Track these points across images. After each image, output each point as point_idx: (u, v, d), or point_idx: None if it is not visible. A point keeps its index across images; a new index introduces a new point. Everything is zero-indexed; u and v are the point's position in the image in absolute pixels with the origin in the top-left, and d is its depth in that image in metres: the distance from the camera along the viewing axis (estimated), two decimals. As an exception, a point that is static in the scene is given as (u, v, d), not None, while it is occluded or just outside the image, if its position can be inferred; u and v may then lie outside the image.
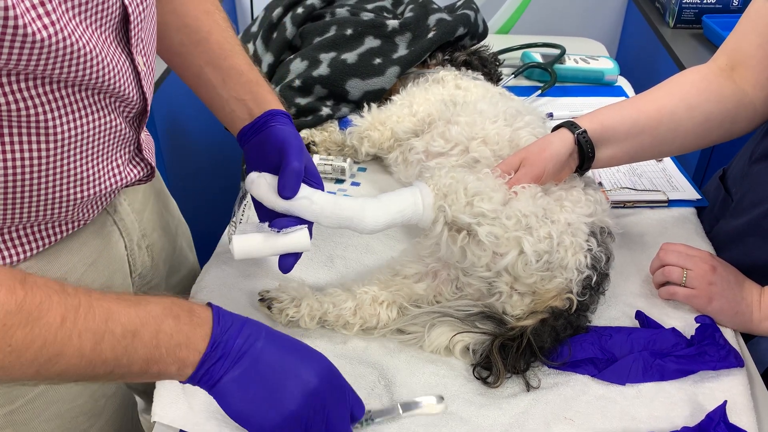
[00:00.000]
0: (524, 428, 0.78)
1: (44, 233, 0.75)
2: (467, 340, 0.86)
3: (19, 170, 0.66)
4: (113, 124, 0.73)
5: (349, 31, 1.34)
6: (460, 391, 0.83)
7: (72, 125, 0.67)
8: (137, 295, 0.67)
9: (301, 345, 0.72)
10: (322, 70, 1.30)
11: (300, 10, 1.40)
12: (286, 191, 0.81)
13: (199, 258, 1.86)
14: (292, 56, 1.36)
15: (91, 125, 0.70)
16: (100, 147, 0.73)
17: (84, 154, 0.71)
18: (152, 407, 0.81)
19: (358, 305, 0.90)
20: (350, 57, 1.31)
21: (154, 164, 0.88)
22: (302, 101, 1.30)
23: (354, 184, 1.22)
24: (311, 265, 1.02)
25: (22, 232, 0.73)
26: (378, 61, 1.31)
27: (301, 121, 1.28)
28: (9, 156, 0.64)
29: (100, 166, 0.75)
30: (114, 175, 0.78)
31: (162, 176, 1.63)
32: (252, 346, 0.67)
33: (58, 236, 0.77)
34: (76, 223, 0.79)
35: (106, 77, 0.67)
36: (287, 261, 0.84)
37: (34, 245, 0.75)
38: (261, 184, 0.83)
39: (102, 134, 0.72)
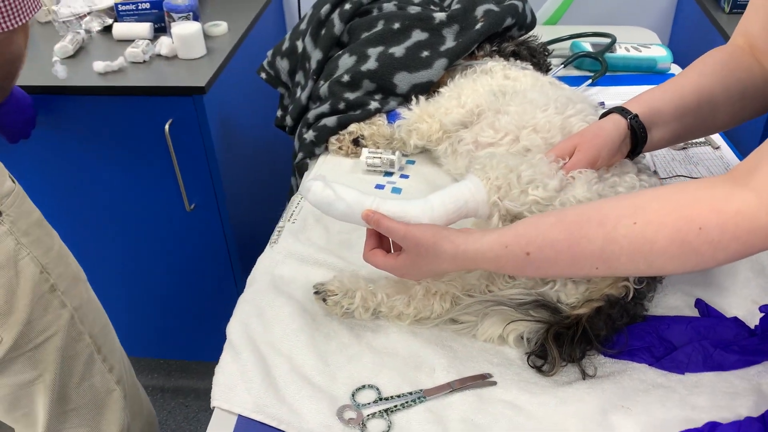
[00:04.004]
0: (580, 416, 0.77)
1: None
2: (521, 329, 0.86)
3: None
4: None
5: (396, 25, 1.35)
6: (515, 379, 0.83)
7: None
8: None
9: None
10: (370, 64, 1.31)
11: (347, 6, 1.42)
12: None
13: (248, 253, 1.89)
14: (340, 52, 1.37)
15: None
16: None
17: None
18: (211, 392, 0.83)
19: (411, 296, 0.91)
20: (398, 51, 1.31)
21: None
22: (351, 96, 1.31)
23: (403, 176, 1.22)
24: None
25: None
26: (425, 53, 1.31)
27: (350, 116, 1.29)
28: None
29: None
30: None
31: (216, 174, 1.67)
32: None
33: None
34: None
35: None
36: None
37: None
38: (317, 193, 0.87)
39: None
